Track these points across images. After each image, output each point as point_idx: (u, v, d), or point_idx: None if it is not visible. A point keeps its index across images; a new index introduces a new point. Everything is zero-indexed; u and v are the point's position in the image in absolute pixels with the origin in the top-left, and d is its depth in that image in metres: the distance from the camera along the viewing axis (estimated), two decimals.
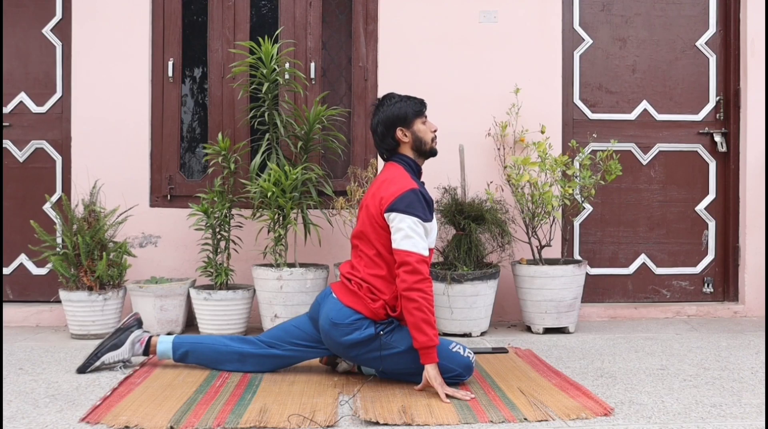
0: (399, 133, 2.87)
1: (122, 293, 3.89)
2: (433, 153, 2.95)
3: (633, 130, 4.54)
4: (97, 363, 3.02)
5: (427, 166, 3.08)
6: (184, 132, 4.46)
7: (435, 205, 3.15)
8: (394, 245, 2.71)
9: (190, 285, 3.95)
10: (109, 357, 3.03)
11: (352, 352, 2.80)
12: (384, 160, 2.97)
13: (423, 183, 2.91)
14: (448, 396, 2.59)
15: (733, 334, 3.88)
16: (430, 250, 2.81)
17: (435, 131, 2.94)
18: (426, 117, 2.94)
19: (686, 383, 2.86)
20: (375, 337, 2.75)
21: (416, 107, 2.90)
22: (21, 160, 4.39)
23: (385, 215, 2.75)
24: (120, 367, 3.06)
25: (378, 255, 2.80)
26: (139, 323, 3.13)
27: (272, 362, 2.99)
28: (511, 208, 4.11)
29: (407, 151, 2.90)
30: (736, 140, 4.51)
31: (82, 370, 3.02)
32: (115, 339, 3.06)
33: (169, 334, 3.84)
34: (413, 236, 2.68)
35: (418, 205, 2.73)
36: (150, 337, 3.09)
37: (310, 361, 3.07)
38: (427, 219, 2.75)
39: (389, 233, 2.75)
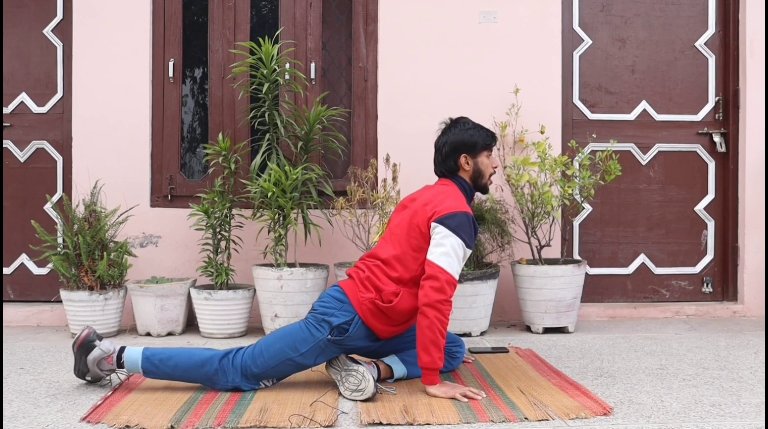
0: (463, 159, 2.86)
1: (123, 293, 3.90)
2: (484, 190, 2.94)
3: (632, 130, 4.54)
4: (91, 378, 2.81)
5: (427, 167, 3.08)
6: (185, 132, 4.47)
7: None
8: (430, 257, 2.66)
9: (190, 285, 3.96)
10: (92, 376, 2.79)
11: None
12: (438, 175, 2.94)
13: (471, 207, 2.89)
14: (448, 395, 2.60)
15: (732, 334, 3.89)
16: None
17: (495, 168, 2.94)
18: (491, 151, 2.93)
19: (685, 383, 2.87)
20: (329, 329, 2.68)
21: (487, 140, 2.89)
22: (22, 160, 4.40)
23: (432, 225, 2.70)
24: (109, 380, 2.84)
25: (397, 258, 2.76)
26: (97, 337, 2.81)
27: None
28: (511, 208, 4.12)
29: (465, 176, 2.89)
30: (735, 140, 4.51)
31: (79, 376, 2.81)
32: (80, 364, 2.77)
33: (169, 334, 3.86)
34: (452, 256, 2.65)
35: (468, 229, 2.70)
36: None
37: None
38: (470, 246, 2.72)
39: (425, 241, 2.73)
